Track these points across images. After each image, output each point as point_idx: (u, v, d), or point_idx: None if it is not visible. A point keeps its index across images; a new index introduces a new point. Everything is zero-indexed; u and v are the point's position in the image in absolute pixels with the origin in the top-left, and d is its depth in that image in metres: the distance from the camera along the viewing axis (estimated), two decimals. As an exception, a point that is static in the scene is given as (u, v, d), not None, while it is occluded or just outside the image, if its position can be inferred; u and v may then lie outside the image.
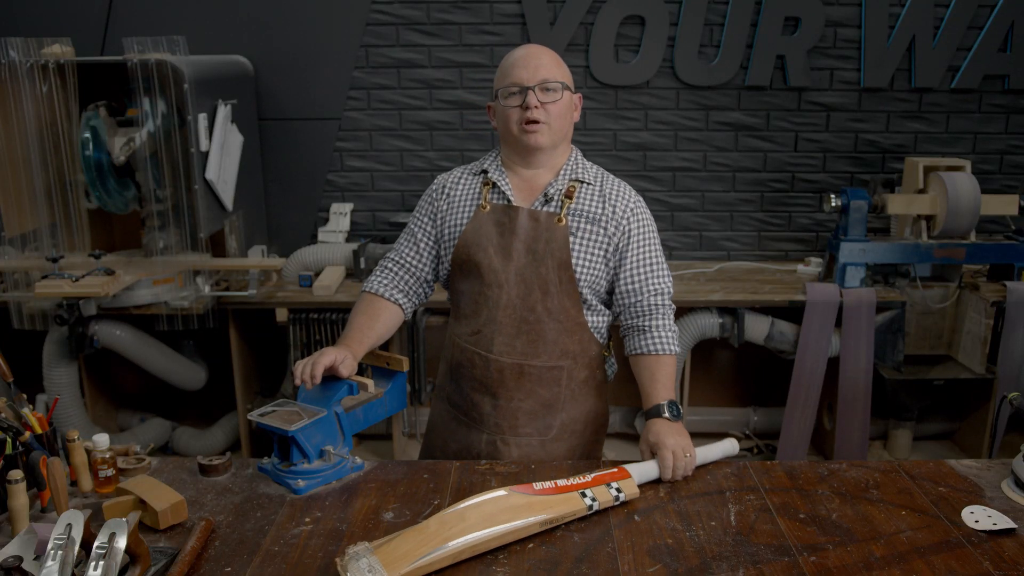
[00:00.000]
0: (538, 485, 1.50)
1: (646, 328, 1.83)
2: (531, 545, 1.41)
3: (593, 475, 1.56)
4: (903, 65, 3.71)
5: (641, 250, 1.84)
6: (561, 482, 1.52)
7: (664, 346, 1.82)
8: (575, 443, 1.89)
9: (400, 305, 1.90)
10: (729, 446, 1.74)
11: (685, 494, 1.59)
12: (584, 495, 1.50)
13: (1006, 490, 1.58)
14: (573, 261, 1.79)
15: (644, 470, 1.63)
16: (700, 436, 3.88)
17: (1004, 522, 1.46)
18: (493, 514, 1.41)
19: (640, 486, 1.60)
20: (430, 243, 1.90)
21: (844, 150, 3.84)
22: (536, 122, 1.76)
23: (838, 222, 3.44)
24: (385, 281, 1.90)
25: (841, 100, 3.77)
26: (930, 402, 3.72)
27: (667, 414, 1.73)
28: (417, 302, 1.95)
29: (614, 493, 1.54)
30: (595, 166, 1.93)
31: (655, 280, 1.84)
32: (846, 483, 1.63)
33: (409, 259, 1.91)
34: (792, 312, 3.40)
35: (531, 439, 1.85)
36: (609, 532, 1.45)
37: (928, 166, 3.47)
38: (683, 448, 1.65)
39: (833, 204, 3.37)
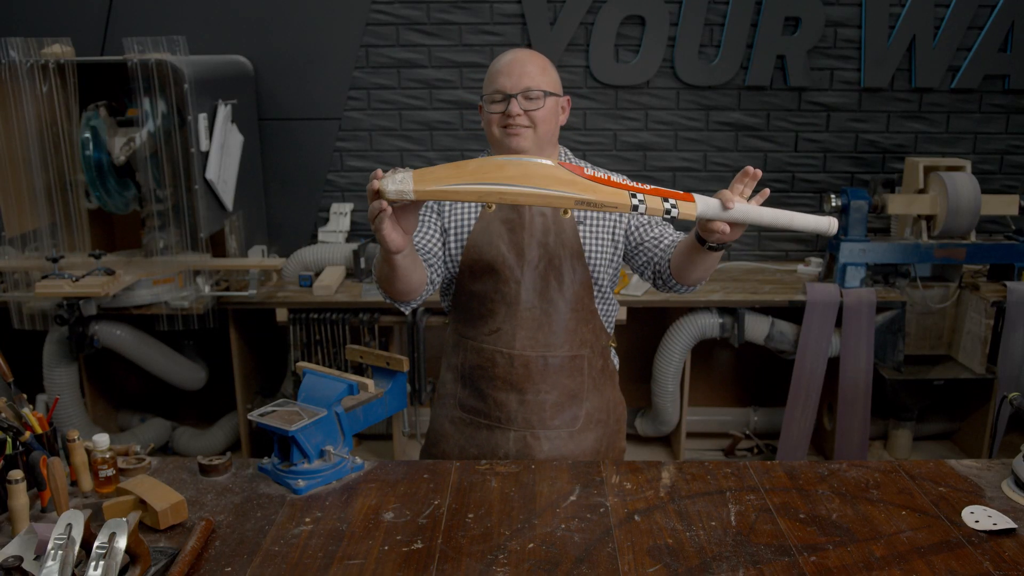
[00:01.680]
0: (589, 170, 1.50)
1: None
2: (531, 545, 1.41)
3: (651, 187, 1.51)
4: (903, 65, 3.71)
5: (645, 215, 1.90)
6: (616, 179, 1.51)
7: None
8: (601, 433, 1.92)
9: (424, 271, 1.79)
10: (825, 223, 1.55)
11: (685, 494, 1.59)
12: (634, 196, 1.48)
13: (1006, 490, 1.58)
14: (585, 250, 1.84)
15: (709, 201, 1.52)
16: (700, 436, 3.92)
17: (1004, 522, 1.46)
18: (533, 176, 1.44)
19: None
20: (436, 232, 1.87)
21: (844, 150, 3.85)
22: (519, 126, 1.77)
23: (838, 222, 3.44)
24: None
25: (841, 100, 3.77)
26: (930, 402, 3.72)
27: None
28: (426, 290, 1.84)
29: (666, 206, 1.49)
30: (583, 161, 1.95)
31: (668, 228, 1.90)
32: (846, 483, 1.63)
33: (422, 242, 1.84)
34: (792, 312, 3.40)
35: (560, 431, 1.87)
36: (609, 532, 1.45)
37: (928, 166, 3.47)
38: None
39: (833, 204, 3.37)
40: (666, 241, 1.85)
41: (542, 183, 1.44)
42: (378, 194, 1.44)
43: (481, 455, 1.90)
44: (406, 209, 1.51)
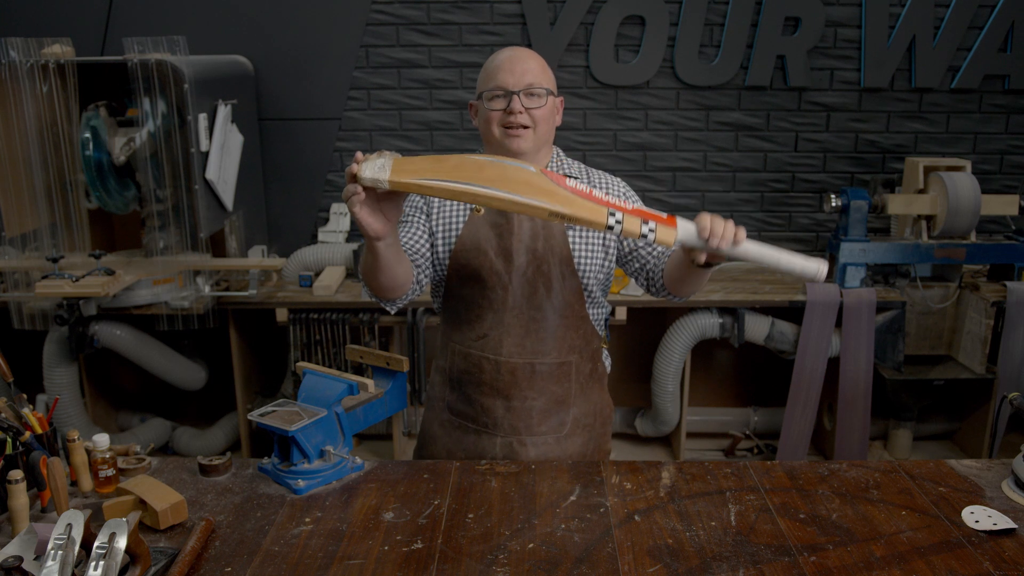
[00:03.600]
0: (572, 183, 1.47)
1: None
2: (531, 545, 1.41)
3: (635, 207, 1.47)
4: (903, 65, 3.71)
5: None
6: (597, 194, 1.47)
7: None
8: (587, 437, 1.91)
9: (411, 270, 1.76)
10: (814, 267, 1.49)
11: (685, 494, 1.59)
12: (612, 214, 1.44)
13: (1006, 490, 1.58)
14: (575, 256, 1.81)
15: (689, 228, 1.48)
16: (700, 436, 3.92)
17: (1004, 522, 1.46)
18: (511, 180, 1.42)
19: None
20: (424, 233, 1.84)
21: (844, 150, 3.85)
22: (520, 126, 1.75)
23: (838, 222, 3.44)
24: None
25: (841, 100, 3.77)
26: (930, 402, 3.72)
27: None
28: (412, 290, 1.82)
29: (644, 229, 1.45)
30: (575, 160, 1.93)
31: None
32: (846, 483, 1.63)
33: (410, 243, 1.81)
34: (792, 312, 3.40)
35: (547, 437, 1.86)
36: (609, 532, 1.45)
37: (928, 166, 3.47)
38: (728, 223, 1.50)
39: (833, 204, 3.37)
40: (660, 247, 1.82)
41: (519, 189, 1.42)
42: (355, 178, 1.42)
43: (469, 459, 1.88)
44: (389, 195, 1.47)
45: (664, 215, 1.48)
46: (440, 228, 1.84)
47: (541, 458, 1.84)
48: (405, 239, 1.82)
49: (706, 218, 1.48)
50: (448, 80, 3.74)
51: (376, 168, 1.40)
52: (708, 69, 3.70)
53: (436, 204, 1.87)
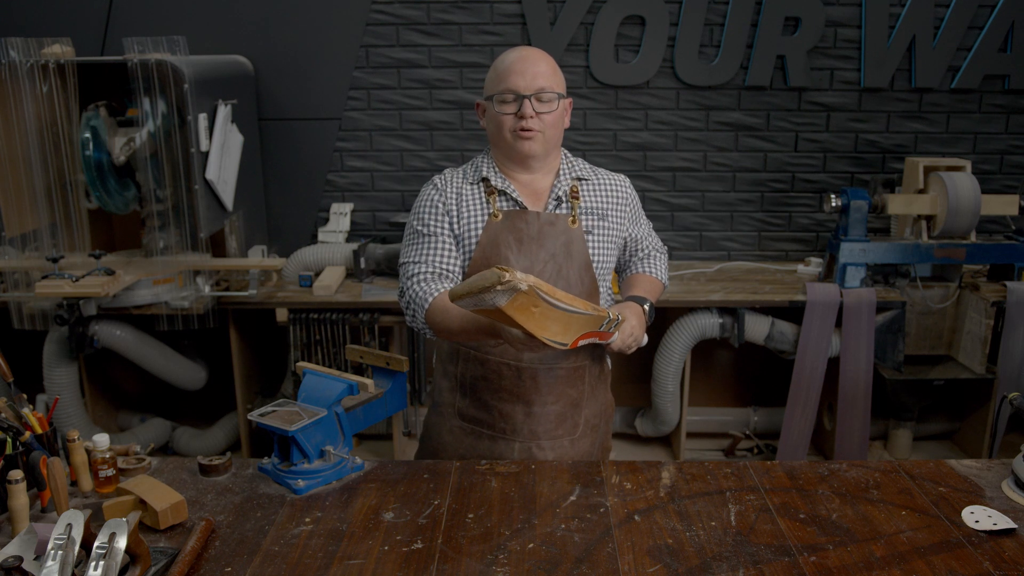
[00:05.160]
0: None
1: (644, 259, 2.00)
2: (531, 545, 1.41)
3: (581, 334, 1.56)
4: (903, 65, 3.71)
5: (639, 223, 1.99)
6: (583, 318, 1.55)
7: (658, 273, 1.98)
8: (595, 437, 1.94)
9: None
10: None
11: (685, 494, 1.59)
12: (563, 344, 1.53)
13: (1006, 490, 1.58)
14: (594, 262, 1.83)
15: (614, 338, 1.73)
16: (700, 436, 3.92)
17: (1004, 522, 1.46)
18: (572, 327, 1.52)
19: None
20: (453, 246, 1.81)
21: (844, 150, 3.85)
22: (531, 130, 1.75)
23: (838, 222, 3.44)
24: (442, 287, 1.77)
25: (841, 100, 3.77)
26: (930, 402, 3.72)
27: (644, 305, 1.83)
28: None
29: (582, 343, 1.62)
30: (581, 160, 1.94)
31: (653, 239, 2.04)
32: (846, 483, 1.63)
33: (447, 266, 1.79)
34: (792, 312, 3.40)
35: (562, 440, 1.87)
36: (609, 532, 1.45)
37: (928, 166, 3.47)
38: (633, 334, 1.73)
39: (833, 204, 3.37)
40: (641, 254, 1.99)
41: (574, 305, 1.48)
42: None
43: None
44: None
45: (602, 335, 1.63)
46: (462, 228, 1.81)
47: (555, 460, 1.84)
48: (439, 260, 1.79)
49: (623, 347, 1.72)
50: (448, 80, 3.75)
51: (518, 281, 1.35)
52: (708, 69, 3.70)
53: (456, 197, 1.82)
